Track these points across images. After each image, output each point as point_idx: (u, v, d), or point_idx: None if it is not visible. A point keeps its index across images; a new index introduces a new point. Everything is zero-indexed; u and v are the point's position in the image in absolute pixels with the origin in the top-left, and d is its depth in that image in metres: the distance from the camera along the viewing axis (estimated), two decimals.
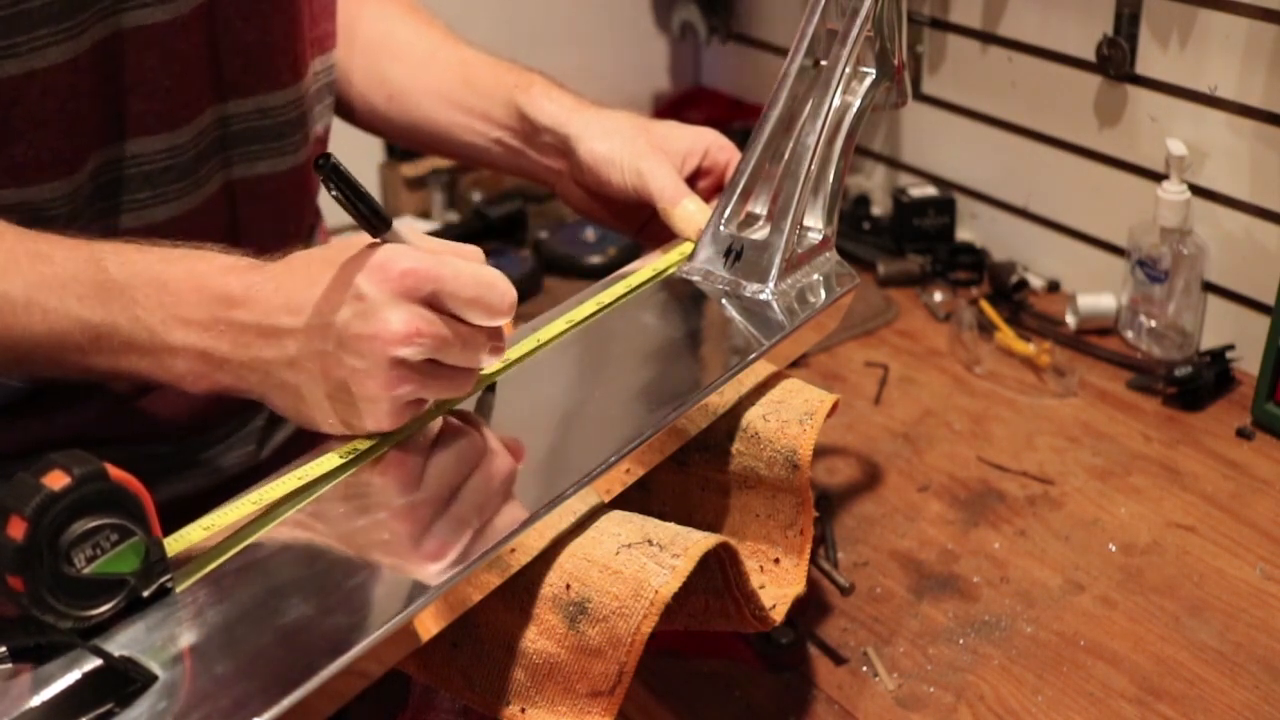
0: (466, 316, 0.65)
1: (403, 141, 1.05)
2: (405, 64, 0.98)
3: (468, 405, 0.72)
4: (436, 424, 0.70)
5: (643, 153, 0.88)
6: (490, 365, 0.69)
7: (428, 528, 0.63)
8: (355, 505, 0.65)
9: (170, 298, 0.66)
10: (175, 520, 0.61)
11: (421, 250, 0.64)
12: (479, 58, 0.98)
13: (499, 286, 0.65)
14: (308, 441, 0.69)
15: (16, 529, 0.51)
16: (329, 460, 0.66)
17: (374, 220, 0.64)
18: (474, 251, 0.68)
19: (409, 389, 0.64)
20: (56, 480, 0.53)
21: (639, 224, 0.94)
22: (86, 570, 0.54)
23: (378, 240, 0.65)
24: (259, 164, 0.84)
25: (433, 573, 0.59)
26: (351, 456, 0.67)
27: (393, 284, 0.62)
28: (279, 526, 0.63)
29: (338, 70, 0.97)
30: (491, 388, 0.74)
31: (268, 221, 0.87)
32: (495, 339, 0.68)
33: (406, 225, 0.67)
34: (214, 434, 0.88)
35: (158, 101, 0.77)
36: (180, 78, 0.78)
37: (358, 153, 1.58)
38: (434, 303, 0.64)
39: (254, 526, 0.62)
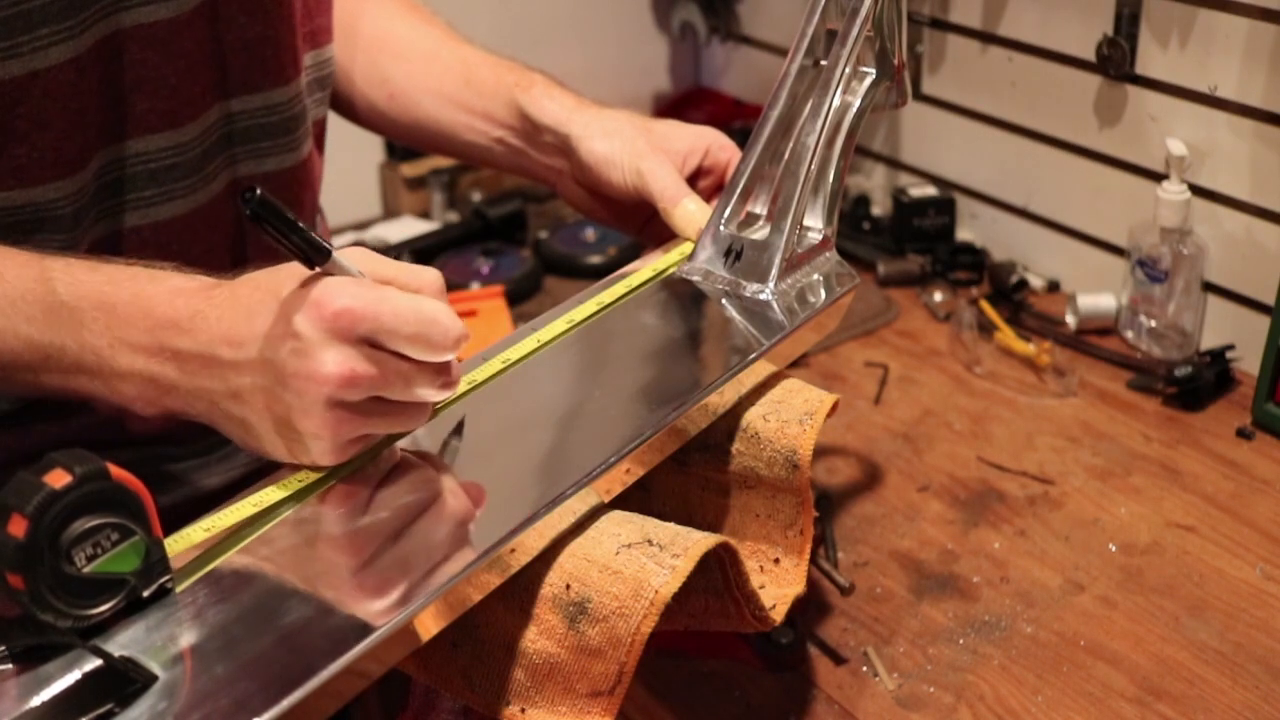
0: (408, 354, 0.63)
1: (405, 140, 1.05)
2: (407, 63, 0.98)
3: (432, 446, 0.70)
4: (394, 456, 0.68)
5: (643, 153, 0.88)
6: (441, 398, 0.67)
7: (367, 575, 0.61)
8: (342, 516, 0.65)
9: (117, 321, 0.65)
10: (175, 526, 0.61)
11: (362, 284, 0.62)
12: (480, 56, 0.98)
13: (441, 322, 0.63)
14: None
15: (17, 527, 0.51)
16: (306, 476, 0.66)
17: (310, 252, 0.61)
18: (429, 279, 0.65)
19: (348, 429, 0.63)
20: (58, 479, 0.53)
21: (640, 223, 0.94)
22: (87, 569, 0.54)
23: (318, 271, 0.62)
24: (267, 160, 0.84)
25: (379, 610, 0.58)
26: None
27: (328, 323, 0.60)
28: (279, 527, 0.63)
29: (339, 68, 0.97)
30: (459, 429, 0.71)
31: None
32: (443, 373, 0.65)
33: (356, 251, 0.64)
34: (208, 442, 0.87)
35: (161, 99, 0.77)
36: (183, 75, 0.77)
37: (358, 153, 1.58)
38: (372, 341, 0.61)
39: (254, 527, 0.62)
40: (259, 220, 0.59)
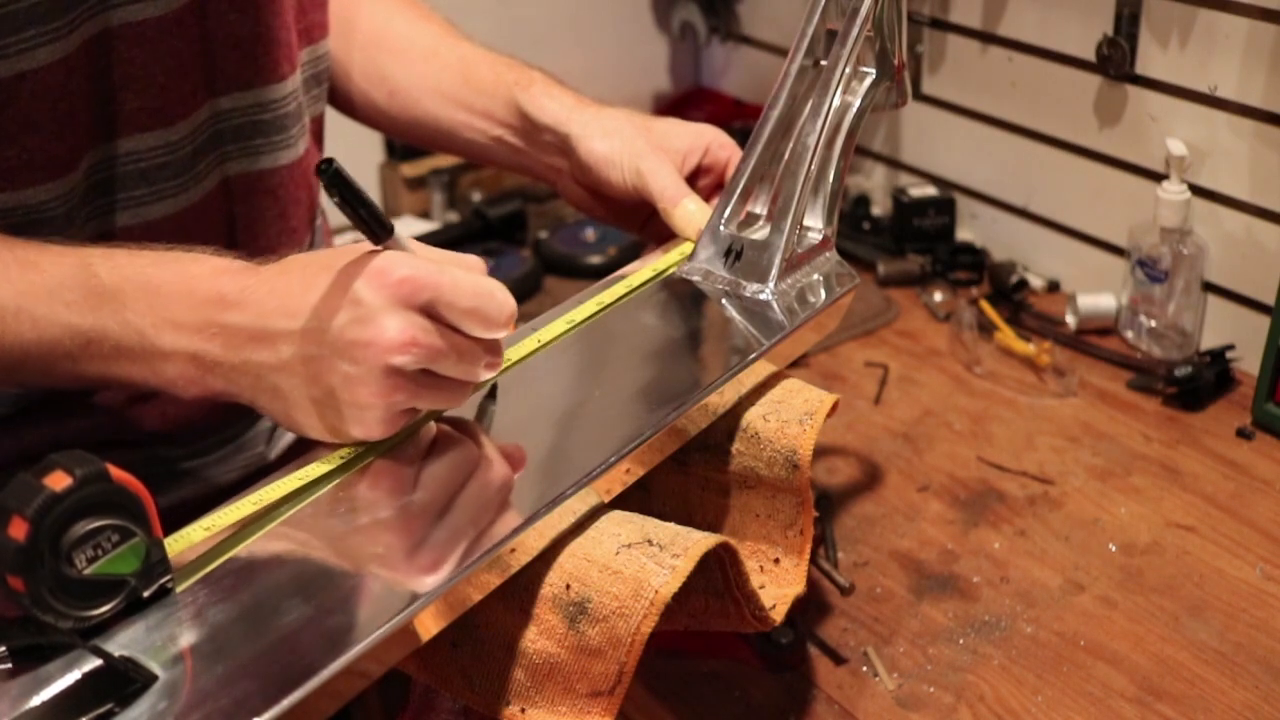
0: (464, 327, 0.64)
1: (404, 137, 1.04)
2: (405, 60, 0.98)
3: (467, 413, 0.71)
4: (431, 431, 0.70)
5: (642, 152, 0.88)
6: (487, 377, 0.68)
7: (419, 538, 0.62)
8: (351, 509, 0.65)
9: (161, 301, 0.65)
10: (175, 527, 0.61)
11: (421, 259, 0.64)
12: (479, 54, 0.98)
13: (498, 297, 0.65)
14: (311, 445, 0.69)
15: (18, 530, 0.51)
16: (330, 460, 0.66)
17: (375, 227, 0.63)
18: (476, 262, 0.67)
19: (401, 398, 0.64)
20: (58, 481, 0.53)
21: (640, 222, 0.94)
22: (87, 571, 0.54)
23: (378, 247, 0.64)
24: (261, 159, 0.84)
25: (428, 582, 0.59)
26: (351, 457, 0.67)
27: (390, 290, 0.62)
28: (279, 526, 0.63)
29: (336, 65, 0.97)
30: (493, 393, 0.73)
31: (268, 218, 0.86)
32: (492, 352, 0.67)
33: (407, 236, 0.67)
34: (209, 441, 0.87)
35: (150, 98, 0.76)
36: (172, 73, 0.77)
37: (358, 153, 1.58)
38: (431, 312, 0.63)
39: (254, 527, 0.62)
40: (332, 189, 0.61)
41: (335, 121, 1.01)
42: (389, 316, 0.62)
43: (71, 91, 0.72)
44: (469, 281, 0.64)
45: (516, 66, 0.96)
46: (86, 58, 0.72)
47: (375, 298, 0.62)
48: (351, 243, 0.69)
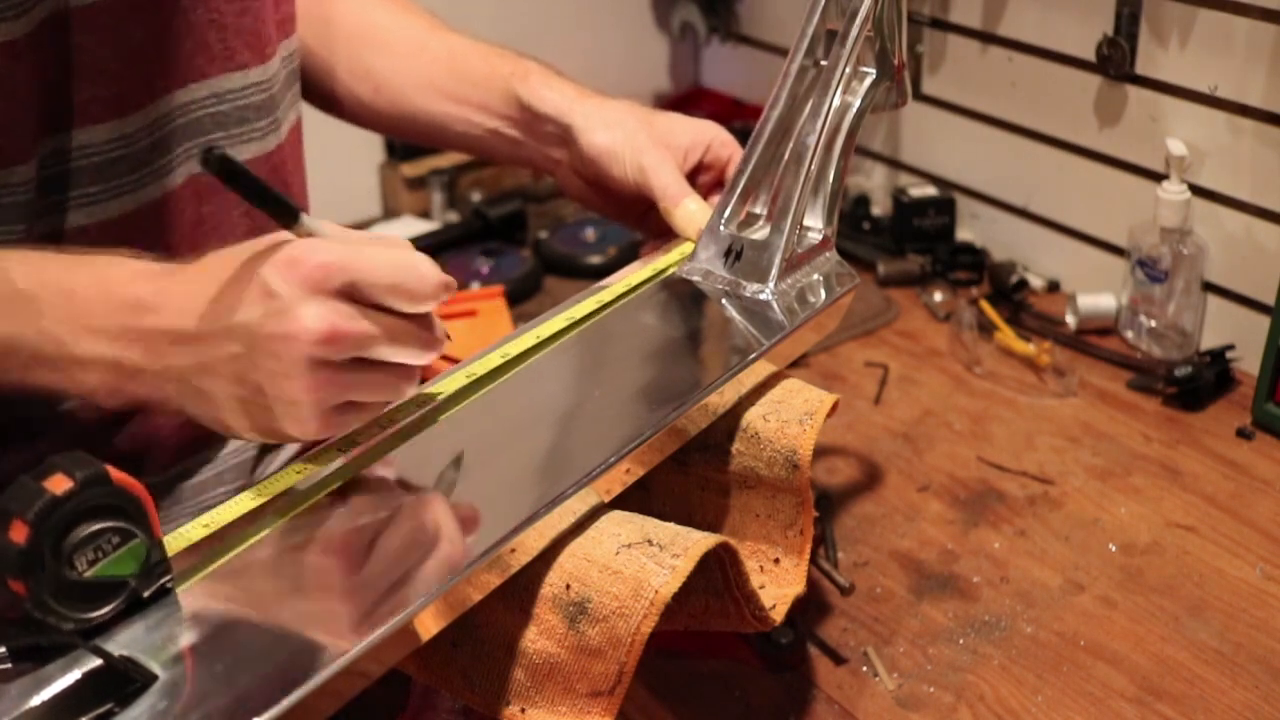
0: (389, 304, 0.61)
1: (392, 133, 1.02)
2: (391, 54, 0.96)
3: (427, 480, 0.67)
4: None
5: (645, 148, 0.88)
6: (426, 360, 0.64)
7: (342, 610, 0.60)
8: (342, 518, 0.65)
9: (78, 306, 0.63)
10: None
11: (335, 241, 0.61)
12: (469, 46, 0.96)
13: (420, 269, 0.61)
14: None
15: (19, 533, 0.51)
16: (328, 455, 0.66)
17: (280, 211, 0.60)
18: (396, 239, 0.64)
19: (333, 391, 0.61)
20: (58, 484, 0.52)
21: (637, 215, 0.93)
22: (88, 573, 0.54)
23: (289, 234, 0.62)
24: (160, 181, 0.79)
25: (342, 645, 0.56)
26: (352, 456, 0.67)
27: (304, 278, 0.59)
28: (279, 526, 0.63)
29: (318, 63, 0.95)
30: (457, 462, 0.69)
31: (233, 218, 0.83)
32: (426, 329, 0.63)
33: (320, 220, 0.64)
34: (190, 462, 0.85)
35: (104, 86, 0.73)
36: (129, 61, 0.74)
37: (357, 153, 1.58)
38: (352, 294, 0.60)
39: (254, 526, 0.62)
40: (224, 179, 0.58)
41: (335, 123, 1.01)
42: (306, 306, 0.59)
43: (19, 79, 0.68)
44: (387, 257, 0.61)
45: (510, 57, 0.95)
46: (37, 42, 0.69)
47: (289, 288, 0.59)
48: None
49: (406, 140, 1.17)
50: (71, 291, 0.63)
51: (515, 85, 0.92)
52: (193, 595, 0.58)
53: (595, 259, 1.43)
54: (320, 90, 0.98)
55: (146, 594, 0.57)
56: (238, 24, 0.80)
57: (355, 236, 0.63)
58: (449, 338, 0.67)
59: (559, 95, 0.91)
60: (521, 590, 0.66)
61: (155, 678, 0.54)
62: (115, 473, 0.54)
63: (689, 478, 0.80)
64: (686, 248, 0.87)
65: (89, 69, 0.72)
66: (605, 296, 0.83)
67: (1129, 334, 1.26)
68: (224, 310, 0.60)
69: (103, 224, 0.75)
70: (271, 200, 0.60)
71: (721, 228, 0.86)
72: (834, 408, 0.78)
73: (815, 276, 0.86)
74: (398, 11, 0.98)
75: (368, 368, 0.62)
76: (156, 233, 0.78)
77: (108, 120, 0.74)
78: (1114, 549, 0.98)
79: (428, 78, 0.95)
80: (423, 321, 0.63)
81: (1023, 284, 1.32)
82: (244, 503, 0.63)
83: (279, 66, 0.85)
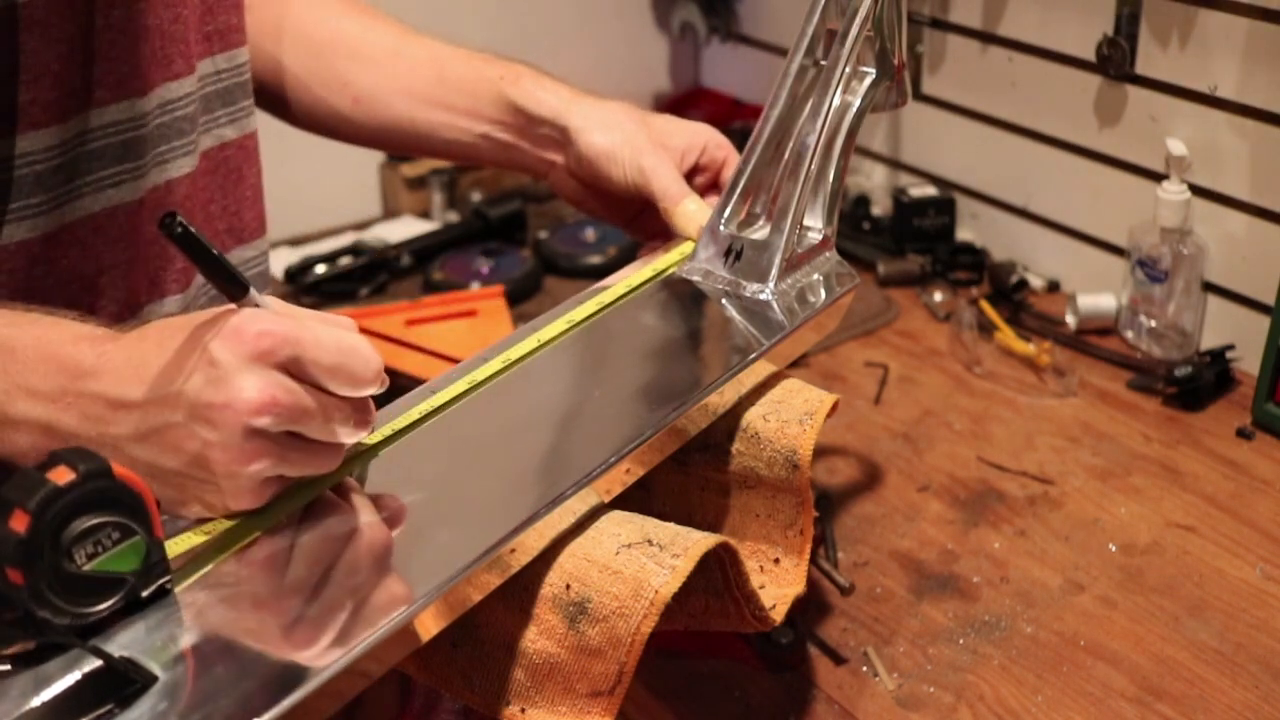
0: (328, 385, 0.60)
1: (372, 144, 1.00)
2: (369, 64, 0.94)
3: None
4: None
5: (644, 149, 0.87)
6: (356, 439, 0.64)
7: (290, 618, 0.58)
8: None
9: (16, 366, 0.61)
10: None
11: (281, 314, 0.60)
12: (450, 51, 0.95)
13: (363, 353, 0.61)
14: None
15: (19, 522, 0.51)
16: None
17: (229, 284, 0.59)
18: (343, 320, 0.63)
19: (267, 463, 0.59)
20: (61, 475, 0.53)
21: (630, 216, 0.93)
22: (87, 567, 0.54)
23: (234, 306, 0.60)
24: (106, 192, 0.76)
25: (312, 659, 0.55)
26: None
27: (248, 348, 0.58)
28: (279, 526, 0.63)
29: (292, 79, 0.94)
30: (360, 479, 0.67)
31: (118, 267, 0.78)
32: (361, 411, 0.62)
33: (267, 295, 0.63)
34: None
35: (43, 89, 0.70)
36: (67, 63, 0.71)
37: (357, 153, 1.58)
38: (293, 369, 0.59)
39: (254, 527, 0.62)
40: (181, 247, 0.57)
41: None
42: (246, 376, 0.58)
43: None
44: (332, 337, 0.60)
45: (495, 61, 0.94)
46: None
47: (231, 357, 0.58)
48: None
49: (389, 151, 1.13)
50: (11, 349, 0.61)
51: (506, 88, 0.92)
52: (192, 595, 0.58)
53: (595, 259, 1.43)
54: (297, 106, 0.96)
55: (145, 594, 0.57)
56: (172, 30, 0.78)
57: (301, 313, 0.62)
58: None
59: (554, 97, 0.91)
60: (521, 590, 0.66)
61: (155, 679, 0.54)
62: (119, 468, 0.54)
63: (689, 478, 0.80)
64: (686, 247, 0.87)
65: (29, 69, 0.70)
66: (605, 297, 0.83)
67: (1129, 334, 1.26)
68: (165, 378, 0.59)
69: (5, 247, 0.72)
70: (223, 272, 0.59)
71: (721, 228, 0.86)
72: (834, 408, 0.78)
73: (815, 276, 0.86)
74: (367, 20, 0.97)
75: (299, 443, 0.61)
76: (48, 274, 0.74)
77: (49, 125, 0.71)
78: (1114, 549, 0.98)
79: (409, 86, 0.94)
80: (359, 403, 0.62)
81: (1023, 284, 1.32)
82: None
83: (196, 85, 0.81)
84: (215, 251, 0.58)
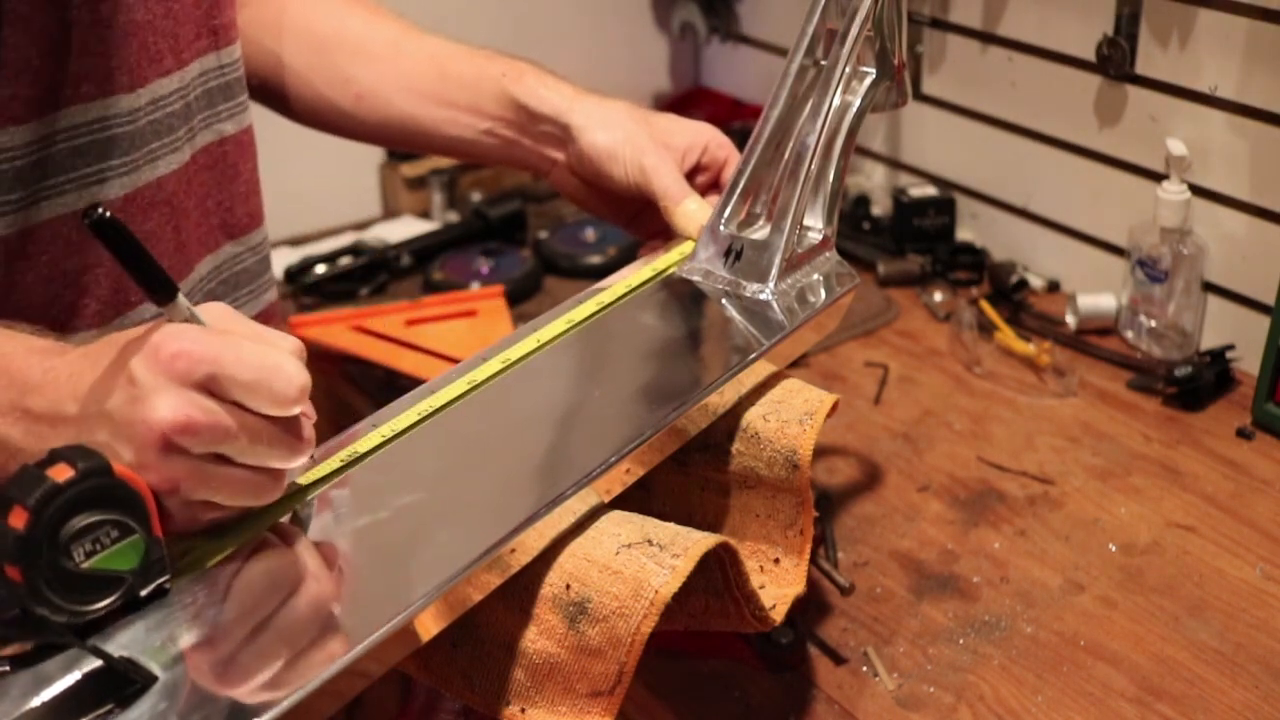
0: (249, 404, 0.57)
1: (374, 140, 1.00)
2: (371, 61, 0.94)
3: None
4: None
5: (646, 148, 0.87)
6: (291, 465, 0.60)
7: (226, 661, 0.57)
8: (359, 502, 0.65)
9: None
10: None
11: (205, 330, 0.58)
12: (451, 48, 0.95)
13: (286, 370, 0.58)
14: None
15: (18, 519, 0.51)
16: (330, 464, 0.66)
17: (154, 286, 0.57)
18: (276, 336, 0.61)
19: (189, 487, 0.57)
20: (61, 473, 0.53)
21: (630, 215, 0.93)
22: (85, 565, 0.54)
23: (162, 320, 0.59)
24: (84, 192, 0.75)
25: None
26: (352, 460, 0.67)
27: (164, 366, 0.56)
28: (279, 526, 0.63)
29: (293, 76, 0.94)
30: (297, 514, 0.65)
31: (96, 274, 0.77)
32: (292, 434, 0.60)
33: (217, 307, 0.61)
34: None
35: (25, 85, 0.70)
36: (48, 58, 0.70)
37: (358, 153, 1.58)
38: (212, 388, 0.57)
39: (254, 527, 0.62)
40: (105, 241, 0.55)
41: None
42: (161, 395, 0.56)
43: None
44: (254, 354, 0.57)
45: (498, 58, 0.94)
46: None
47: (149, 375, 0.56)
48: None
49: (391, 147, 1.14)
50: None
51: (509, 85, 0.92)
52: (192, 595, 0.58)
53: (595, 259, 1.43)
54: (298, 102, 0.96)
55: (144, 593, 0.57)
56: (163, 26, 0.77)
57: (237, 327, 0.60)
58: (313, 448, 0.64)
59: (556, 95, 0.91)
60: (521, 590, 0.66)
61: (155, 679, 0.54)
62: (119, 467, 0.54)
63: (689, 478, 0.80)
64: (686, 247, 0.87)
65: (8, 64, 0.69)
66: (605, 297, 0.83)
67: (1129, 334, 1.26)
68: (94, 396, 0.58)
69: (25, 232, 0.72)
70: (150, 274, 0.57)
71: (721, 227, 0.86)
72: (834, 408, 0.78)
73: (815, 276, 0.86)
74: (368, 16, 0.97)
75: (227, 466, 0.58)
76: (21, 282, 0.74)
77: (28, 120, 0.71)
78: (1114, 549, 0.98)
79: (411, 82, 0.94)
80: (288, 424, 0.60)
81: (1023, 284, 1.32)
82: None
83: (190, 80, 0.81)
84: (142, 249, 0.57)
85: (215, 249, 0.87)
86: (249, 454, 0.58)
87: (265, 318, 0.92)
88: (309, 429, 0.61)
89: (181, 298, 0.58)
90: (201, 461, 0.57)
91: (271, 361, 0.58)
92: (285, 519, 0.64)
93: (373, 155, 1.61)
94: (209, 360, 0.56)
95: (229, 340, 0.58)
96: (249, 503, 0.60)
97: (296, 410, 0.59)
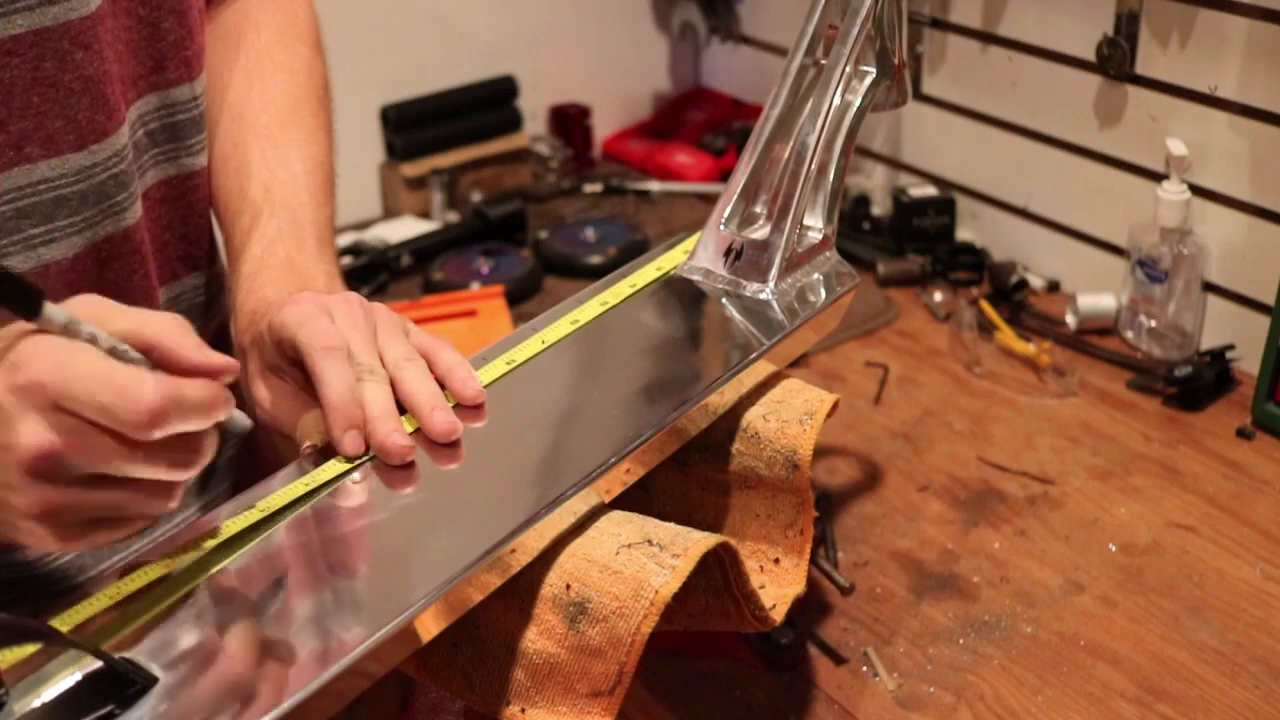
0: (105, 425, 0.54)
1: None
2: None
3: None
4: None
5: None
6: (172, 477, 0.57)
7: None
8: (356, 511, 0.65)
9: None
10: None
11: (61, 345, 0.54)
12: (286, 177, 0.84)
13: (129, 392, 0.53)
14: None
15: None
16: (333, 467, 0.66)
17: (16, 302, 0.54)
18: (166, 329, 0.56)
19: (67, 510, 0.55)
20: None
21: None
22: None
23: (30, 327, 0.55)
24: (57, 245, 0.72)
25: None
26: (355, 464, 0.67)
27: (19, 391, 0.53)
28: (278, 528, 0.63)
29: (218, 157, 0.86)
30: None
31: (139, 279, 0.77)
32: (179, 445, 0.55)
33: (88, 301, 0.57)
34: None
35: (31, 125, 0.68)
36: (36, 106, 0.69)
37: (358, 153, 1.58)
38: (69, 409, 0.53)
39: (255, 529, 0.62)
40: None
41: (335, 122, 1.00)
42: (21, 419, 0.53)
43: None
44: (98, 375, 0.53)
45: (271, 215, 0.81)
46: None
47: (6, 396, 0.54)
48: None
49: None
50: None
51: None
52: (193, 596, 0.58)
53: (595, 259, 1.43)
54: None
55: None
56: (120, 74, 0.73)
57: (117, 323, 0.56)
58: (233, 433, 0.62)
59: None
60: (522, 591, 0.66)
61: (156, 680, 0.54)
62: None
63: (689, 478, 0.80)
64: (689, 244, 0.88)
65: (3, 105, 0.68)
66: (606, 297, 0.82)
67: (1129, 334, 1.26)
68: None
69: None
70: (11, 291, 0.54)
71: (721, 227, 0.86)
72: (834, 408, 0.78)
73: (815, 276, 0.86)
74: (290, 121, 0.87)
75: (110, 484, 0.56)
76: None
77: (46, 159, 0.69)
78: (1114, 549, 0.98)
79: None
80: (174, 437, 0.55)
81: (1023, 284, 1.32)
82: (252, 516, 0.63)
83: (128, 134, 0.75)
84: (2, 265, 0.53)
85: (175, 279, 0.84)
86: (131, 469, 0.55)
87: (220, 340, 0.88)
88: (209, 438, 0.57)
89: (49, 308, 0.55)
90: (77, 484, 0.55)
91: (117, 383, 0.53)
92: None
93: (373, 155, 1.61)
94: (54, 383, 0.53)
95: (77, 359, 0.54)
96: (141, 515, 0.58)
97: (155, 434, 0.54)
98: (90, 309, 0.57)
